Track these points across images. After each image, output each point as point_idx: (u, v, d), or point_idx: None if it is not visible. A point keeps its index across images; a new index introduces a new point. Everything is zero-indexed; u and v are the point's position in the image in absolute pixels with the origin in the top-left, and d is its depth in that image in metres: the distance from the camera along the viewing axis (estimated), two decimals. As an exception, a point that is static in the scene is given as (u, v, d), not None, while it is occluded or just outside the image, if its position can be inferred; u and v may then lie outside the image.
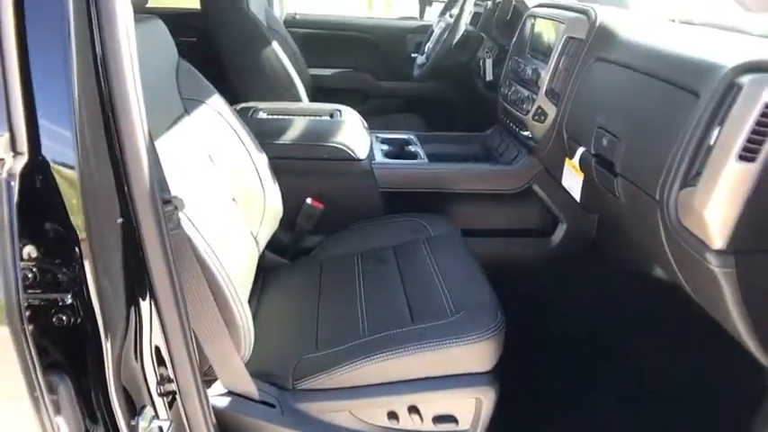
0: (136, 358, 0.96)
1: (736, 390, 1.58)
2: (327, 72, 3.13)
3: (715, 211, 0.98)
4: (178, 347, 0.97)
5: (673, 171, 1.10)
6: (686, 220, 1.07)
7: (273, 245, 1.83)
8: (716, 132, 1.01)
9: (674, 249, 1.17)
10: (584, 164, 1.53)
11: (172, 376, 1.00)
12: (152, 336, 0.96)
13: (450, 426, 1.28)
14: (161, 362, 1.00)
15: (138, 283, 0.93)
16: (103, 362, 0.87)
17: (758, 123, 0.93)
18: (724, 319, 1.17)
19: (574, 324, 1.91)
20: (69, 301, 0.81)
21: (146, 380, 0.98)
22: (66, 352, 0.86)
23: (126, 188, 0.89)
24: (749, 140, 0.94)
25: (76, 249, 0.82)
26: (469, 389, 1.24)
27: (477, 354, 1.23)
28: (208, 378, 1.21)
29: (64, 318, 0.81)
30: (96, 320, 0.85)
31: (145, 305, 0.94)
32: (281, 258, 1.83)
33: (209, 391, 1.21)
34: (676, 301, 1.83)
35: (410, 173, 1.94)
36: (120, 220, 0.89)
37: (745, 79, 0.99)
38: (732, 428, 1.44)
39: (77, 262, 0.83)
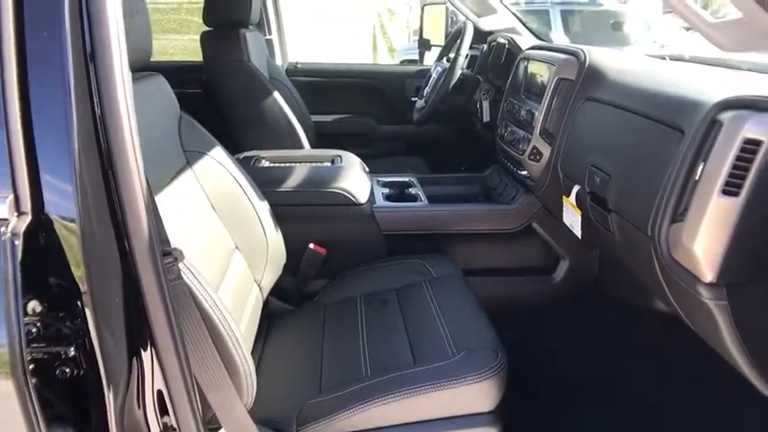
0: (138, 407, 0.98)
1: (747, 423, 1.56)
2: (330, 118, 3.19)
3: (703, 245, 1.00)
4: (180, 396, 0.98)
5: (662, 207, 1.12)
6: (677, 254, 1.09)
7: (277, 291, 1.85)
8: (700, 168, 1.03)
9: (669, 283, 1.19)
10: (579, 201, 1.55)
11: (174, 425, 1.01)
12: (154, 385, 0.98)
13: (457, 467, 1.28)
14: (164, 411, 1.01)
15: (139, 334, 0.96)
16: (106, 413, 0.89)
17: (739, 159, 0.96)
18: (723, 351, 1.18)
19: (578, 362, 1.90)
20: (72, 353, 0.83)
21: (149, 429, 1.00)
22: (69, 404, 0.88)
23: (126, 242, 0.92)
24: (732, 175, 0.96)
25: (79, 303, 0.85)
26: (472, 429, 1.24)
27: (479, 393, 1.23)
28: (211, 426, 1.22)
29: (67, 370, 0.83)
30: (99, 372, 0.87)
31: (146, 356, 0.96)
32: (286, 304, 1.84)
33: (213, 440, 1.22)
34: (681, 337, 1.83)
35: (411, 215, 1.97)
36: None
37: (725, 116, 1.02)
38: None
39: (80, 315, 0.85)
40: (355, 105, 3.24)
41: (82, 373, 0.85)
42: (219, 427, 1.22)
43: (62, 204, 0.85)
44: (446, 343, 1.37)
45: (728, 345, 1.07)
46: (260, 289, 1.64)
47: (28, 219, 0.79)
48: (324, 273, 1.91)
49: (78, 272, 0.85)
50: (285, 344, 1.61)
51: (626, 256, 1.44)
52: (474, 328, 1.42)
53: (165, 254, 1.01)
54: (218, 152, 1.65)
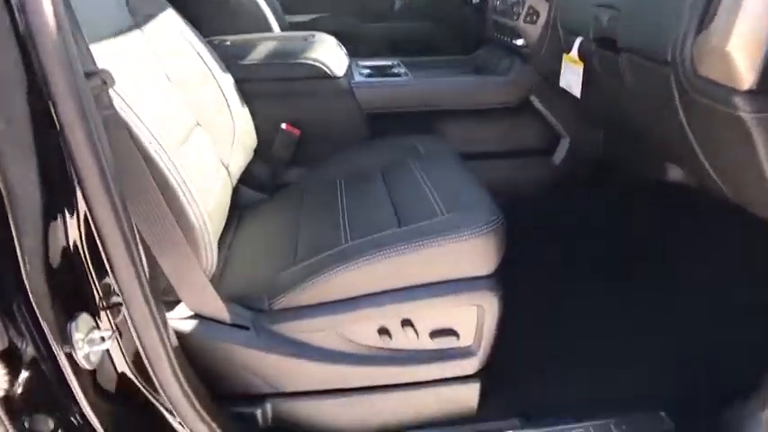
0: (64, 257, 0.82)
1: (751, 307, 1.43)
2: (306, 18, 2.95)
3: (740, 42, 0.83)
4: (116, 249, 0.82)
5: (685, 21, 0.96)
6: (706, 68, 0.92)
7: (250, 181, 1.68)
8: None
9: (692, 115, 1.02)
10: (583, 54, 1.38)
11: (116, 288, 0.85)
12: (82, 232, 0.82)
13: (451, 340, 1.13)
14: (103, 272, 0.85)
15: (59, 169, 0.79)
16: (18, 260, 0.73)
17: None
18: (753, 199, 1.02)
19: (580, 248, 1.75)
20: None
21: (80, 282, 0.83)
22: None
23: (35, 55, 0.74)
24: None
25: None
26: (469, 294, 1.08)
27: (475, 252, 1.07)
28: (169, 299, 1.06)
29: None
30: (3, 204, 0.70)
31: (68, 194, 0.80)
32: (260, 194, 1.67)
33: (171, 314, 1.06)
34: (689, 219, 1.69)
35: (395, 91, 1.77)
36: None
37: None
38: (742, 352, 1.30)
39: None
40: (334, 3, 2.99)
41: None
42: (177, 301, 1.07)
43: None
44: (435, 205, 1.19)
45: (765, 169, 0.91)
46: (228, 172, 1.46)
47: None
48: (300, 160, 1.74)
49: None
50: (258, 229, 1.45)
51: (637, 105, 1.27)
52: (467, 192, 1.25)
53: (89, 74, 0.83)
54: (173, 17, 1.45)
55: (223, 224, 1.37)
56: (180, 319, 1.06)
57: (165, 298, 1.07)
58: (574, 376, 1.34)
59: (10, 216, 0.72)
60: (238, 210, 1.58)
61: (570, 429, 1.17)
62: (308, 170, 1.68)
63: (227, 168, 1.46)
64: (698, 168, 1.14)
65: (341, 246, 1.11)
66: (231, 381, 1.10)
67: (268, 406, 1.12)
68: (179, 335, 1.02)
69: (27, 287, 0.75)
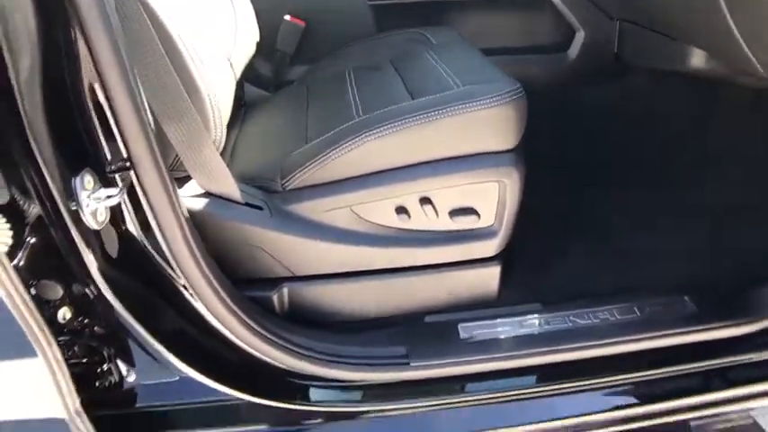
0: (70, 113, 0.76)
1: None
2: None
3: None
4: (121, 100, 0.76)
5: None
6: None
7: (253, 78, 1.62)
8: None
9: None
10: None
11: (122, 149, 0.79)
12: (81, 79, 0.75)
13: (471, 220, 1.08)
14: (111, 136, 0.79)
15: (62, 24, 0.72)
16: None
17: None
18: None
19: (597, 144, 1.70)
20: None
21: (87, 143, 0.78)
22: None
23: None
24: None
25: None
26: (490, 169, 1.03)
27: (495, 123, 1.02)
28: (178, 175, 1.02)
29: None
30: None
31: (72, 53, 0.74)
32: (264, 91, 1.61)
33: (181, 191, 1.01)
34: (710, 113, 1.63)
35: None
36: None
37: None
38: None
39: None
40: None
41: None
42: (186, 177, 1.02)
43: None
44: (451, 80, 1.13)
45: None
46: (231, 66, 1.39)
47: None
48: (304, 56, 1.66)
49: None
50: (265, 121, 1.39)
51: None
52: (484, 70, 1.19)
53: None
54: None
55: (228, 118, 1.32)
56: (190, 196, 1.01)
57: (174, 174, 1.02)
58: (595, 263, 1.30)
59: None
60: (243, 108, 1.52)
61: (593, 312, 1.14)
62: (314, 64, 1.61)
63: (229, 61, 1.39)
64: (727, 44, 1.08)
65: (353, 120, 1.05)
66: (245, 263, 1.06)
67: (284, 290, 1.09)
68: (190, 212, 0.97)
69: (30, 140, 0.70)
